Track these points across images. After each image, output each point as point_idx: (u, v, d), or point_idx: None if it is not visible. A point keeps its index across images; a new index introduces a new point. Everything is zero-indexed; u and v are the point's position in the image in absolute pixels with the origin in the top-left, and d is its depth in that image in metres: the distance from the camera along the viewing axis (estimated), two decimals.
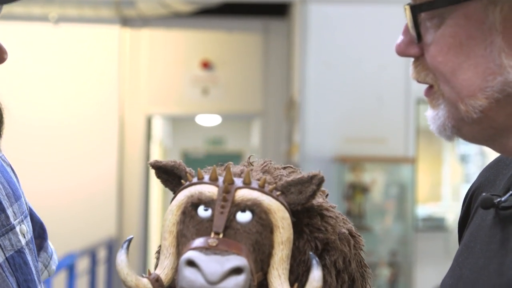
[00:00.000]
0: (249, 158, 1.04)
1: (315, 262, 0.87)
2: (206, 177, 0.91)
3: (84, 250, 6.57)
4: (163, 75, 8.38)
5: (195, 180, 0.91)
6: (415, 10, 0.94)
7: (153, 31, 8.34)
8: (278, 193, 0.90)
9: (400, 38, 0.99)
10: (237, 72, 8.47)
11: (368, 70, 6.48)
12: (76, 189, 7.88)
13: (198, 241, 0.84)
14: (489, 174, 1.12)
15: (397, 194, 6.65)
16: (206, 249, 0.83)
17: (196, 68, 8.39)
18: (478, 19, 0.91)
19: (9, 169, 1.26)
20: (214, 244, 0.83)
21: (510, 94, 0.91)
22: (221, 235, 0.85)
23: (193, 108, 8.65)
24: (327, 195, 1.03)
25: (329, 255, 0.94)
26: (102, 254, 7.47)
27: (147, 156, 8.50)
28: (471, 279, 0.99)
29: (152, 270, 0.90)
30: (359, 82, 6.51)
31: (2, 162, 1.24)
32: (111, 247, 7.64)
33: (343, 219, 1.00)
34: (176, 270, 0.86)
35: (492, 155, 1.06)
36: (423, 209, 7.18)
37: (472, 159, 7.19)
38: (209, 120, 10.95)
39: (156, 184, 8.76)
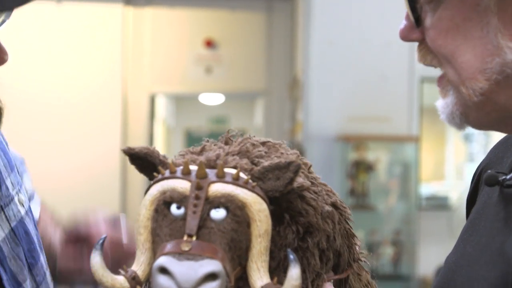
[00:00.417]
0: (227, 132, 1.01)
1: (292, 258, 0.84)
2: (179, 171, 0.87)
3: None
4: (166, 54, 8.36)
5: (167, 173, 0.88)
6: None
7: (156, 10, 8.31)
8: (254, 184, 0.86)
9: (403, 23, 0.99)
10: (240, 51, 8.44)
11: (372, 49, 6.45)
12: (79, 169, 7.89)
13: (171, 245, 0.81)
14: (498, 151, 1.11)
15: (400, 173, 6.65)
16: (179, 254, 0.80)
17: (200, 47, 8.36)
18: (473, 0, 0.91)
19: (1, 138, 1.25)
20: (187, 249, 0.80)
21: (509, 75, 0.90)
22: (194, 238, 0.81)
23: (196, 87, 8.63)
24: (310, 166, 1.01)
25: (312, 237, 0.91)
26: None
27: (151, 135, 8.50)
28: (474, 257, 0.99)
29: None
30: (363, 60, 6.49)
31: None
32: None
33: (326, 192, 0.98)
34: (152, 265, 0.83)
35: (496, 134, 1.05)
36: (427, 188, 7.18)
37: (476, 138, 7.18)
38: (213, 99, 10.94)
39: None
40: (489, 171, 1.02)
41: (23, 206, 1.18)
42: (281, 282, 0.84)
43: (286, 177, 0.87)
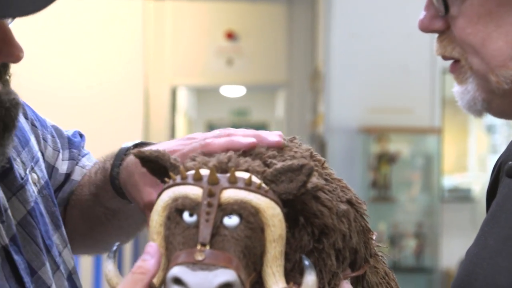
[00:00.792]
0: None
1: (307, 264, 0.83)
2: (190, 176, 0.86)
3: None
4: (187, 46, 8.37)
5: (178, 179, 0.86)
6: None
7: (177, 2, 8.32)
8: (266, 188, 0.85)
9: (422, 13, 0.98)
10: (261, 43, 8.44)
11: (394, 40, 6.42)
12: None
13: (184, 255, 0.80)
14: None
15: (423, 165, 6.62)
16: (193, 264, 0.79)
17: (221, 39, 8.37)
18: None
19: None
20: (201, 258, 0.79)
21: None
22: (207, 246, 0.80)
23: (217, 79, 8.64)
24: (323, 162, 0.99)
25: (327, 238, 0.90)
26: None
27: (172, 127, 8.52)
28: (495, 249, 0.98)
29: None
30: (384, 51, 6.46)
31: None
32: None
33: (341, 189, 0.96)
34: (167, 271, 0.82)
35: None
36: (449, 180, 7.14)
37: (499, 130, 7.13)
38: (234, 91, 10.95)
39: None
40: (510, 162, 1.01)
41: (36, 185, 1.17)
42: (297, 283, 0.83)
43: (299, 180, 0.86)
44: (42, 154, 1.26)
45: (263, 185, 0.86)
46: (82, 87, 7.99)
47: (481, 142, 7.55)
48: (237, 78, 8.55)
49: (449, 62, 0.98)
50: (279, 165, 0.88)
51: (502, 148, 1.12)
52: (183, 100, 10.30)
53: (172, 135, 8.41)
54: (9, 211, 1.08)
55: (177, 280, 0.78)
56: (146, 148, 0.95)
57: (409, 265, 6.45)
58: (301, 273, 0.84)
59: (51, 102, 7.70)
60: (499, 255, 0.96)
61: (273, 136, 0.98)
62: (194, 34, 8.37)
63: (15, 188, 1.11)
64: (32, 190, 1.14)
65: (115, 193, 1.20)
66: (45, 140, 1.28)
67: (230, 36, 8.34)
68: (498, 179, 1.11)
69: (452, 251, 6.30)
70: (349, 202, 0.95)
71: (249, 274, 0.82)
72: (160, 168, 0.91)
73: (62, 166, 1.32)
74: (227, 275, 0.78)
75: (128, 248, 7.52)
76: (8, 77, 1.02)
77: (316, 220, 0.89)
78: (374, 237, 1.01)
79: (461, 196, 7.06)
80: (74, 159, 1.36)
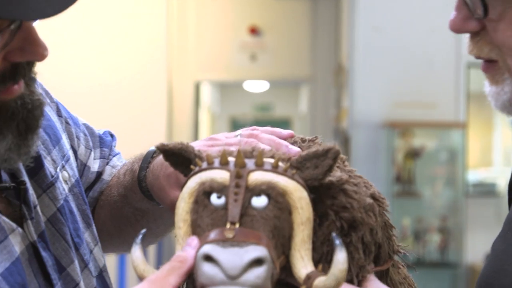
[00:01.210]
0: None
1: (338, 243, 0.81)
2: (216, 162, 0.86)
3: None
4: (211, 41, 8.38)
5: (204, 165, 0.86)
6: None
7: None
8: (293, 171, 0.85)
9: (453, 14, 0.97)
10: (285, 38, 8.42)
11: (418, 34, 6.39)
12: (125, 157, 7.95)
13: (214, 233, 0.80)
14: None
15: (447, 160, 6.59)
16: (223, 242, 0.79)
17: (244, 34, 8.36)
18: None
19: (48, 108, 1.21)
20: (231, 236, 0.79)
21: None
22: (237, 225, 0.80)
23: (241, 74, 8.64)
24: (344, 160, 0.99)
25: (356, 231, 0.90)
26: None
27: (196, 122, 8.53)
28: None
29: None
30: (409, 46, 6.42)
31: None
32: None
33: (364, 184, 0.96)
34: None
35: None
36: (474, 175, 7.10)
37: None
38: (257, 86, 10.95)
39: None
40: None
41: (67, 183, 1.18)
42: (325, 271, 0.83)
43: (325, 165, 0.86)
44: (75, 152, 1.27)
45: (289, 169, 0.86)
46: (106, 83, 8.02)
47: (506, 137, 7.50)
48: (261, 73, 8.54)
49: (481, 66, 0.97)
50: (304, 152, 0.88)
51: None
52: (207, 95, 10.32)
53: (195, 130, 8.42)
54: (38, 208, 1.08)
55: (208, 258, 0.78)
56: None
57: (433, 260, 6.43)
58: (329, 264, 0.83)
59: (75, 99, 7.74)
60: None
61: (285, 131, 1.08)
62: (217, 29, 8.38)
63: (45, 185, 1.12)
64: (62, 187, 1.15)
65: (143, 195, 1.21)
66: (78, 138, 1.29)
67: (254, 31, 8.33)
68: None
69: (477, 246, 6.26)
70: (373, 197, 0.95)
71: (278, 256, 0.82)
72: (183, 161, 0.91)
73: (94, 165, 1.33)
74: (258, 251, 0.78)
75: (152, 250, 7.55)
76: (33, 75, 1.03)
77: (345, 214, 0.90)
78: (395, 236, 1.01)
79: (486, 190, 7.01)
80: (105, 158, 1.37)
